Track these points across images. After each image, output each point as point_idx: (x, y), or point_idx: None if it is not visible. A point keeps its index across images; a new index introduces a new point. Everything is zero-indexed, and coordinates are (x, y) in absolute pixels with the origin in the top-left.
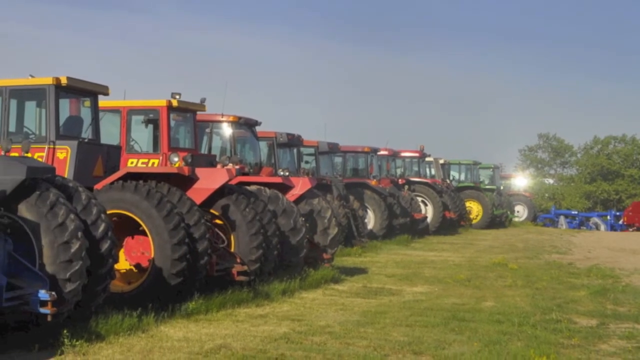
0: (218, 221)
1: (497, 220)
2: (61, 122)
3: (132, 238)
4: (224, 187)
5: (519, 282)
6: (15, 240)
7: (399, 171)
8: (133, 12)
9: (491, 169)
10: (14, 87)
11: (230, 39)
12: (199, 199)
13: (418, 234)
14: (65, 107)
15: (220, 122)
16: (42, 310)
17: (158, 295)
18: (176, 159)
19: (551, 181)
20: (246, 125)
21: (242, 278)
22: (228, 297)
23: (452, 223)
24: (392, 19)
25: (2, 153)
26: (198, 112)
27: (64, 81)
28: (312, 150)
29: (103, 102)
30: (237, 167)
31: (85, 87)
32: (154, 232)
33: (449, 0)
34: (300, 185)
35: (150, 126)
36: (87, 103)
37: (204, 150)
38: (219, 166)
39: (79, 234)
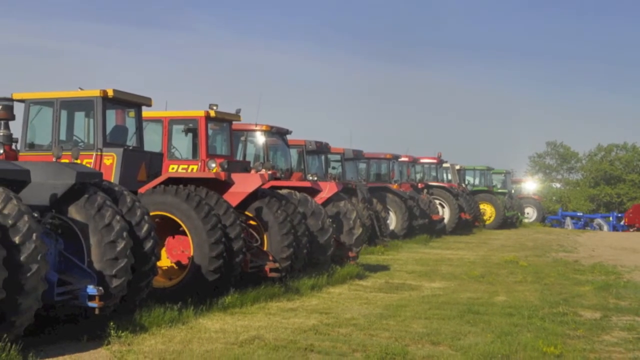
0: (252, 222)
1: (508, 221)
2: (108, 131)
3: (173, 238)
4: (257, 190)
5: (529, 278)
6: (66, 240)
7: (418, 176)
8: (174, 30)
9: (503, 174)
10: (65, 98)
11: (263, 55)
12: (234, 202)
13: (436, 234)
14: (112, 117)
15: (254, 131)
16: (90, 304)
17: (197, 290)
18: (213, 165)
19: (558, 185)
20: (278, 134)
21: (274, 274)
22: (261, 292)
23: (467, 224)
24: (413, 38)
25: (54, 159)
26: (234, 122)
27: (110, 93)
28: (338, 157)
29: (146, 112)
30: (269, 172)
31: (130, 99)
32: (193, 232)
33: (464, 21)
34: (328, 189)
35: (190, 135)
36: (132, 113)
37: (239, 156)
38: (252, 171)
39: (124, 233)
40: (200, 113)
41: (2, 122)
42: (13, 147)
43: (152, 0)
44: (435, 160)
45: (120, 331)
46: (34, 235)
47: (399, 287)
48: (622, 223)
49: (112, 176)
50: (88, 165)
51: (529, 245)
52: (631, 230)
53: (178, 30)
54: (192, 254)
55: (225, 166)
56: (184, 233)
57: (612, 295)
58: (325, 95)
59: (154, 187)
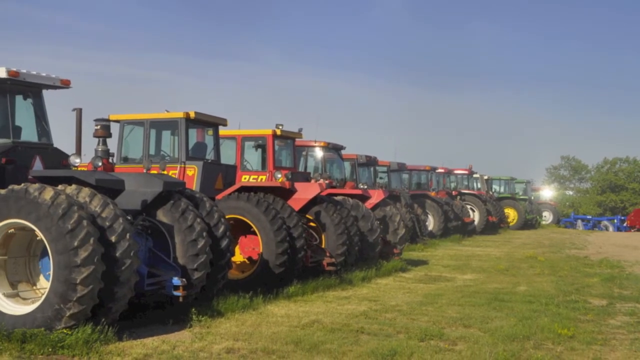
0: (312, 224)
1: (529, 223)
2: (190, 146)
3: (245, 237)
4: (316, 197)
5: (546, 271)
6: (154, 239)
7: (452, 185)
8: (245, 61)
9: (524, 183)
10: (153, 119)
11: (321, 81)
12: (297, 207)
13: (467, 234)
14: (193, 135)
15: (314, 146)
16: (175, 293)
17: (265, 282)
18: (279, 176)
19: (571, 193)
20: (334, 149)
21: (330, 268)
22: (320, 282)
23: (494, 225)
24: (448, 68)
25: (144, 171)
26: (296, 139)
27: (192, 115)
28: (385, 169)
29: (223, 131)
30: (326, 181)
31: (208, 120)
32: (262, 232)
33: (491, 54)
34: (376, 196)
35: (259, 150)
36: (210, 132)
37: (301, 168)
38: (312, 181)
39: (204, 233)
40: (268, 131)
41: (101, 139)
42: (110, 160)
43: (226, 36)
44: (466, 172)
45: (200, 316)
46: (128, 235)
47: (436, 278)
48: (625, 225)
49: (194, 185)
50: (173, 175)
51: (546, 244)
52: (632, 230)
53: (249, 61)
54: (261, 250)
55: (290, 176)
56: (254, 233)
57: (617, 285)
58: (374, 116)
59: (229, 195)
